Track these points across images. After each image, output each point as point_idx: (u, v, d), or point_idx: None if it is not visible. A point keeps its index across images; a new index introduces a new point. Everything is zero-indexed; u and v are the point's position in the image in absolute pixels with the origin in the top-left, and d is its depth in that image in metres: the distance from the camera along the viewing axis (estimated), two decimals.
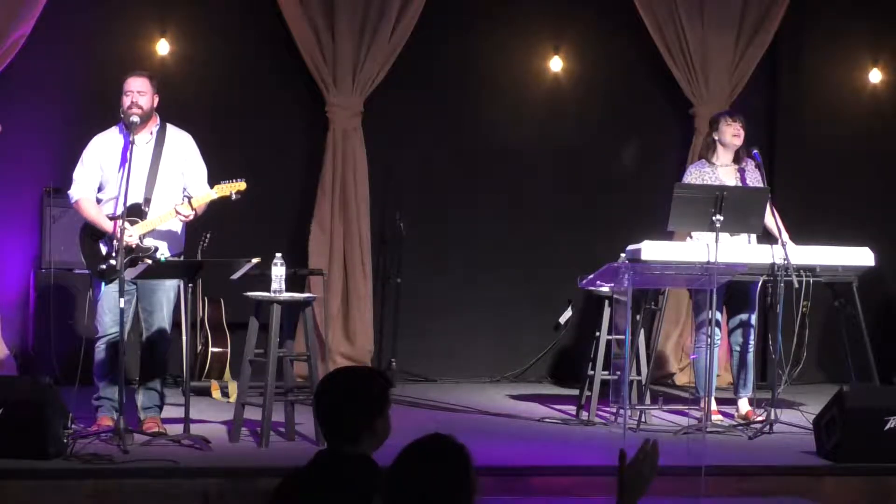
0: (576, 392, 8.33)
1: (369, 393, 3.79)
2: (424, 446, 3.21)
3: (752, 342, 8.04)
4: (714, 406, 7.88)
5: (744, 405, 8.09)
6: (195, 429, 6.90)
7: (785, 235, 7.85)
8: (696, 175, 7.99)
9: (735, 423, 7.87)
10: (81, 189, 7.16)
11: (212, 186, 7.18)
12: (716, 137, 8.02)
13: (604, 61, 10.19)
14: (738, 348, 8.07)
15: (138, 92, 7.08)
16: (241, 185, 7.17)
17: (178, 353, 7.49)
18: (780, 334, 7.65)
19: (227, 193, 7.15)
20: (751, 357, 8.06)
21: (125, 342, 6.81)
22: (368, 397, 3.78)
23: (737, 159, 8.02)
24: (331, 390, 3.81)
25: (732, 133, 7.95)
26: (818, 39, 10.42)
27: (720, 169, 7.99)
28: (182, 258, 7.27)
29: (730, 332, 8.17)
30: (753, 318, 8.05)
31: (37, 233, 9.05)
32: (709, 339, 7.68)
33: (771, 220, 7.86)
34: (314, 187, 9.61)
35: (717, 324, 8.01)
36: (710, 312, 7.53)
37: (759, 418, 7.74)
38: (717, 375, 8.49)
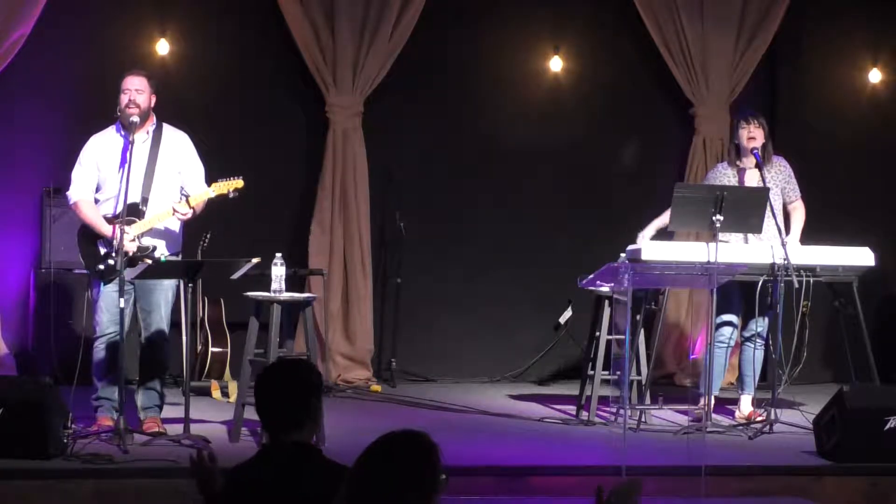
0: (576, 392, 8.33)
1: (309, 380, 3.94)
2: (397, 439, 3.24)
3: (759, 342, 8.02)
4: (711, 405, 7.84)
5: (746, 405, 8.08)
6: (195, 429, 6.90)
7: (794, 235, 7.90)
8: (712, 177, 8.03)
9: (735, 423, 7.87)
10: (80, 190, 7.16)
11: (210, 185, 7.19)
12: (736, 143, 8.03)
13: (604, 61, 10.19)
14: (748, 345, 8.05)
15: (136, 90, 7.08)
16: (239, 182, 7.17)
17: (178, 353, 7.49)
18: (780, 334, 7.65)
19: (225, 191, 7.15)
20: (759, 355, 8.02)
21: (124, 342, 6.81)
22: (310, 384, 3.93)
23: (766, 159, 7.99)
24: (274, 381, 3.93)
25: (747, 136, 7.93)
26: (818, 39, 10.42)
27: (745, 172, 7.99)
28: (180, 257, 7.27)
29: (742, 334, 8.14)
30: (765, 321, 8.02)
31: (37, 233, 9.05)
32: (721, 339, 7.69)
33: (798, 214, 7.97)
34: (314, 187, 9.60)
35: (734, 325, 8.00)
36: (711, 311, 7.53)
37: (760, 418, 7.74)
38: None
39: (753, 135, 7.93)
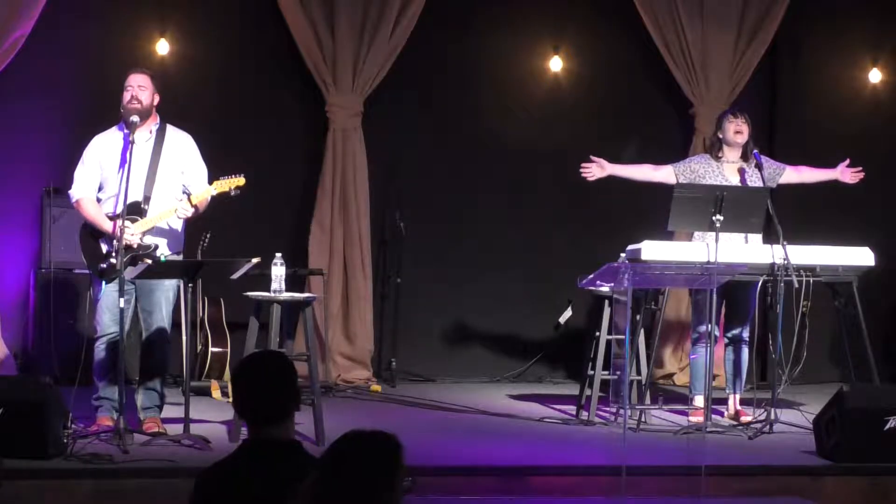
0: (576, 392, 8.33)
1: (290, 371, 3.85)
2: (362, 438, 3.22)
3: (745, 342, 8.03)
4: (700, 405, 7.83)
5: (734, 404, 8.09)
6: (195, 429, 6.89)
7: (814, 172, 8.28)
8: (699, 164, 8.04)
9: (735, 423, 7.87)
10: (82, 189, 7.17)
11: (211, 183, 7.19)
12: (720, 136, 8.05)
13: (604, 61, 10.20)
14: (731, 346, 8.08)
15: (139, 86, 7.09)
16: (240, 180, 7.17)
17: (178, 353, 7.49)
18: (780, 334, 7.65)
19: (226, 189, 7.15)
20: (744, 356, 8.05)
21: (125, 342, 6.81)
22: (291, 376, 3.84)
23: (745, 157, 8.04)
24: (257, 374, 3.84)
25: (734, 130, 7.98)
26: (818, 39, 10.43)
27: (725, 165, 8.03)
28: (182, 257, 7.27)
29: (726, 336, 8.15)
30: (747, 328, 8.03)
31: (37, 233, 9.05)
32: (707, 340, 7.70)
33: (799, 168, 8.25)
34: (314, 187, 9.61)
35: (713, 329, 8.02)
36: (710, 315, 7.53)
37: (749, 418, 7.74)
38: (716, 376, 8.50)
39: (740, 129, 7.97)
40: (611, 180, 9.71)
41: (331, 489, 3.14)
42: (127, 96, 7.09)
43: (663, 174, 8.13)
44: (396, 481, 3.20)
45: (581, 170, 8.17)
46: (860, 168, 8.39)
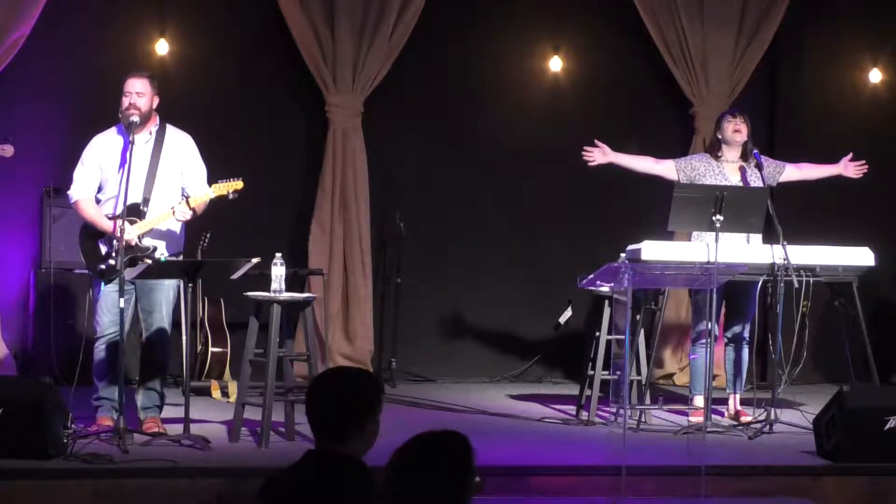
0: (576, 392, 8.33)
1: (360, 393, 3.77)
2: (434, 439, 3.25)
3: (745, 342, 8.03)
4: (700, 405, 7.83)
5: (733, 404, 8.10)
6: (195, 429, 6.90)
7: (817, 168, 8.32)
8: (699, 163, 8.05)
9: (735, 423, 7.87)
10: (81, 189, 7.17)
11: (210, 186, 7.19)
12: (719, 136, 8.07)
13: (604, 61, 10.19)
14: (732, 346, 8.08)
15: (137, 93, 7.08)
16: (238, 184, 7.18)
17: (178, 353, 7.49)
18: (780, 334, 7.65)
19: (225, 192, 7.16)
20: (745, 356, 8.06)
21: (125, 342, 6.81)
22: (359, 398, 3.76)
23: (744, 156, 8.05)
24: (323, 389, 3.81)
25: (733, 129, 8.00)
26: (818, 39, 10.42)
27: (726, 165, 8.04)
28: (181, 258, 7.27)
29: (726, 336, 8.15)
30: (748, 328, 8.04)
31: (37, 233, 9.06)
32: (707, 340, 7.70)
33: (800, 165, 8.28)
34: (314, 187, 9.61)
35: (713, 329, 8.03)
36: (709, 314, 7.53)
37: (749, 418, 7.74)
38: (716, 376, 8.50)
39: (739, 128, 7.99)
40: (612, 176, 9.73)
41: (403, 490, 3.17)
42: (125, 102, 7.08)
43: (664, 168, 8.15)
44: (467, 481, 3.23)
45: (583, 153, 8.15)
46: (863, 161, 8.38)
